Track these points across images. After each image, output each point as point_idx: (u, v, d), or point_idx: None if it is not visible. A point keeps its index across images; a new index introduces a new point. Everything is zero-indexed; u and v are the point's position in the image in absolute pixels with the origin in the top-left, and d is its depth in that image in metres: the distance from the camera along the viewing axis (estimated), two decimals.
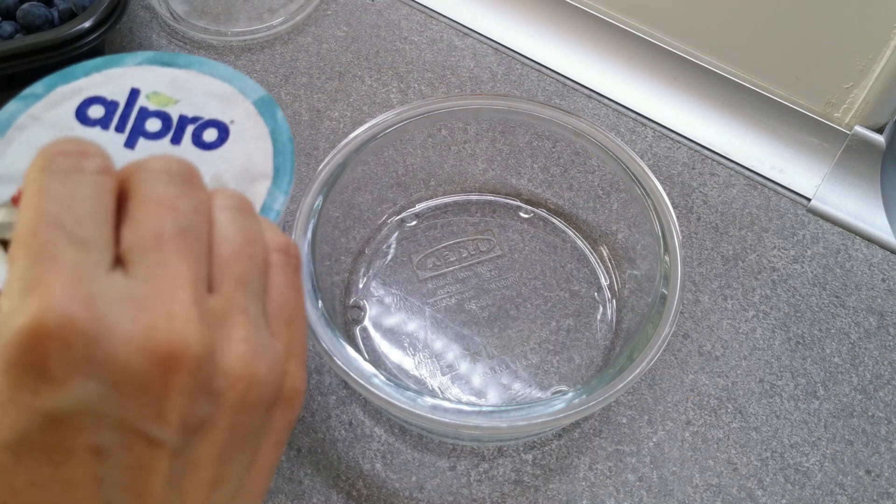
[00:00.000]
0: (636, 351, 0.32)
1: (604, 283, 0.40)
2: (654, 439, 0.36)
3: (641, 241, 0.38)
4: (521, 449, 0.36)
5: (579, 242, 0.42)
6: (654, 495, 0.35)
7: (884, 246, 0.43)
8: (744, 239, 0.43)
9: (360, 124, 0.38)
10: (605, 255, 0.41)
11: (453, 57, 0.51)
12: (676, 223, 0.35)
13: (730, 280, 0.41)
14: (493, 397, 0.37)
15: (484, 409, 0.30)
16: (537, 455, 0.36)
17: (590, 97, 0.49)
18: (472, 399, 0.37)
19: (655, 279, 0.35)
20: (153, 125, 0.29)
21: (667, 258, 0.34)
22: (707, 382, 0.38)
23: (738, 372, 0.39)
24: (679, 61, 0.49)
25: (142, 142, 0.29)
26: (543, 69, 0.50)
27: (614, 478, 0.35)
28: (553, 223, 0.42)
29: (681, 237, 0.35)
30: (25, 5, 0.45)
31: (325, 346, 0.31)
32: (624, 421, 0.37)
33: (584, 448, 0.36)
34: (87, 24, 0.43)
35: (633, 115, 0.48)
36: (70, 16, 0.46)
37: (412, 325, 0.38)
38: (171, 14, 0.51)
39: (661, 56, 0.49)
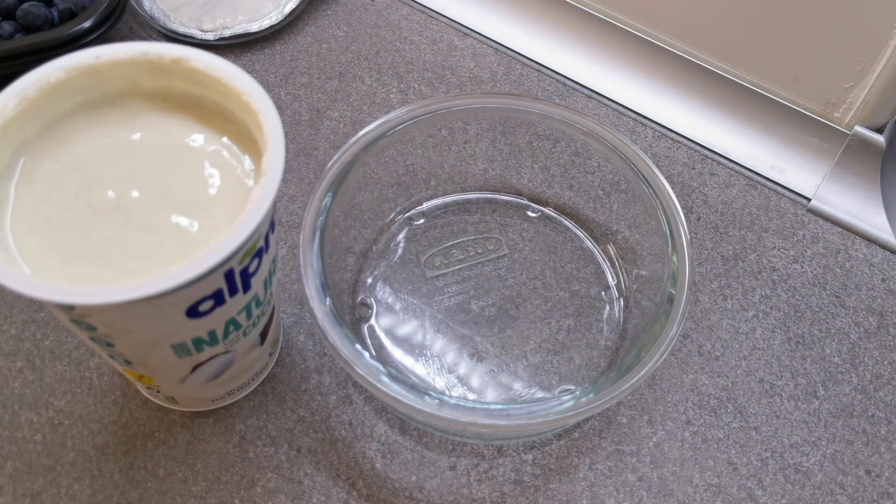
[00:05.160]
0: (643, 350, 0.32)
1: (611, 282, 0.40)
2: (654, 439, 0.36)
3: (647, 240, 0.38)
4: (521, 449, 0.36)
5: (587, 242, 0.42)
6: (654, 495, 0.35)
7: (884, 246, 0.43)
8: (744, 239, 0.43)
9: (360, 124, 0.38)
10: (612, 254, 0.41)
11: (453, 57, 0.51)
12: (685, 223, 0.35)
13: (730, 280, 0.42)
14: (494, 397, 0.37)
15: (493, 406, 0.30)
16: (537, 455, 0.36)
17: (590, 97, 0.49)
18: (475, 398, 0.37)
19: (662, 279, 0.35)
20: None
21: (675, 258, 0.34)
22: (707, 382, 0.38)
23: (738, 372, 0.39)
24: (679, 61, 0.49)
25: None
26: (543, 69, 0.50)
27: (614, 478, 0.35)
28: (561, 222, 0.42)
29: (689, 237, 0.35)
30: (25, 5, 0.45)
31: (332, 342, 0.31)
32: (624, 421, 0.37)
33: (584, 448, 0.36)
34: (86, 24, 0.43)
35: (633, 115, 0.48)
36: (70, 16, 0.46)
37: (418, 324, 0.38)
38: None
39: (661, 56, 0.49)
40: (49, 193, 0.27)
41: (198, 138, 0.29)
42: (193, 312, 0.26)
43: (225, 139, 0.29)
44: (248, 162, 0.28)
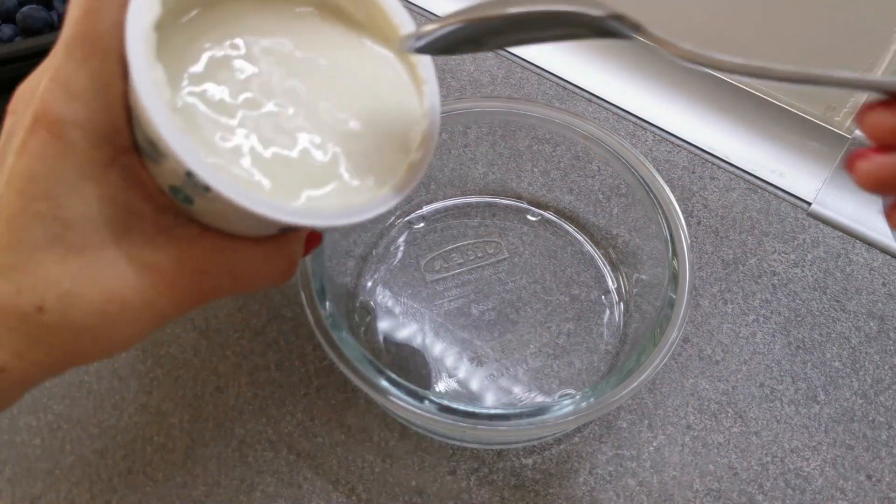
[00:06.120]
0: (643, 355, 0.32)
1: (611, 286, 0.40)
2: (655, 444, 0.36)
3: (647, 244, 0.38)
4: (522, 453, 0.36)
5: (587, 246, 0.42)
6: (655, 500, 0.35)
7: (884, 250, 0.43)
8: (744, 243, 0.43)
9: None
10: (612, 258, 0.41)
11: (453, 61, 0.51)
12: (685, 227, 0.35)
13: (730, 284, 0.41)
14: (494, 401, 0.37)
15: (493, 411, 0.30)
16: (537, 459, 0.36)
17: (590, 101, 0.49)
18: (475, 402, 0.36)
19: (662, 283, 0.35)
20: None
21: (675, 262, 0.34)
22: (707, 387, 0.38)
23: (739, 376, 0.38)
24: (679, 65, 0.49)
25: None
26: (543, 73, 0.50)
27: (614, 482, 0.35)
28: (561, 226, 0.42)
29: (689, 241, 0.35)
30: (25, 8, 0.45)
31: (332, 346, 0.31)
32: (624, 426, 0.37)
33: (584, 453, 0.36)
34: None
35: (633, 119, 0.48)
36: None
37: (418, 328, 0.38)
38: None
39: (662, 60, 0.49)
40: (205, 75, 0.26)
41: (361, 51, 0.28)
42: (288, 228, 0.27)
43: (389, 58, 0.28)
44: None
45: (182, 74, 0.25)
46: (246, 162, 0.25)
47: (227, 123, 0.25)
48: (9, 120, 0.24)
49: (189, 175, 0.23)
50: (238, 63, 0.26)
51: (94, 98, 0.23)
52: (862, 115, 0.19)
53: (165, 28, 0.24)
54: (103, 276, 0.23)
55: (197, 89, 0.25)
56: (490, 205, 0.43)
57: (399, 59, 0.28)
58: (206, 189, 0.23)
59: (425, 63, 0.28)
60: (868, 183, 0.20)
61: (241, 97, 0.26)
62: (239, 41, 0.26)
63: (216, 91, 0.25)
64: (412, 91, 0.28)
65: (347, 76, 0.27)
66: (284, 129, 0.26)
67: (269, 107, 0.26)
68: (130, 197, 0.24)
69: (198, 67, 0.25)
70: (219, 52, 0.26)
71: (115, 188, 0.23)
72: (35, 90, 0.23)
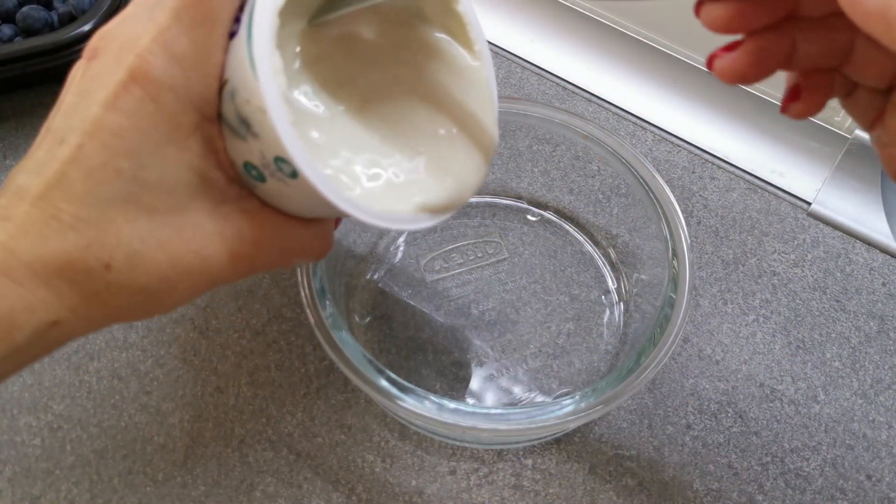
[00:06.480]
0: (644, 355, 0.32)
1: (611, 286, 0.40)
2: (655, 444, 0.36)
3: (647, 244, 0.38)
4: (521, 453, 0.36)
5: (587, 246, 0.42)
6: (655, 500, 0.35)
7: (884, 250, 0.43)
8: (744, 243, 0.43)
9: None
10: (612, 257, 0.41)
11: None
12: (685, 227, 0.35)
13: (730, 284, 0.41)
14: (494, 401, 0.37)
15: (493, 411, 0.30)
16: (537, 459, 0.36)
17: (590, 101, 0.49)
18: (475, 402, 0.36)
19: (662, 283, 0.35)
20: None
21: (675, 262, 0.34)
22: (707, 387, 0.38)
23: (739, 376, 0.38)
24: (679, 65, 0.49)
25: None
26: (543, 73, 0.50)
27: (614, 482, 0.35)
28: (561, 226, 0.42)
29: (689, 241, 0.35)
30: (25, 8, 0.45)
31: (332, 346, 0.31)
32: (624, 426, 0.37)
33: (583, 452, 0.36)
34: (86, 28, 0.43)
35: (633, 119, 0.48)
36: (70, 19, 0.46)
37: (417, 328, 0.38)
38: None
39: (662, 60, 0.49)
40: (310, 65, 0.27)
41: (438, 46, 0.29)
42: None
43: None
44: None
45: (287, 66, 0.25)
46: (333, 157, 0.25)
47: (321, 118, 0.26)
48: (87, 66, 0.23)
49: (279, 160, 0.23)
50: (334, 63, 0.27)
51: (193, 66, 0.23)
52: (698, 9, 0.22)
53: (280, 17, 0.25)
54: (170, 240, 0.23)
55: (298, 83, 0.26)
56: (490, 205, 0.43)
57: (476, 72, 0.29)
58: (294, 175, 0.23)
59: (491, 77, 0.28)
60: (726, 76, 0.23)
61: (334, 95, 0.26)
62: (336, 43, 0.27)
63: (313, 87, 0.26)
64: (486, 102, 0.29)
65: (433, 83, 0.28)
66: (372, 129, 0.26)
67: (360, 106, 0.27)
68: (206, 165, 0.24)
69: (299, 61, 0.26)
70: (314, 50, 0.26)
71: (193, 155, 0.24)
72: (122, 40, 0.23)
